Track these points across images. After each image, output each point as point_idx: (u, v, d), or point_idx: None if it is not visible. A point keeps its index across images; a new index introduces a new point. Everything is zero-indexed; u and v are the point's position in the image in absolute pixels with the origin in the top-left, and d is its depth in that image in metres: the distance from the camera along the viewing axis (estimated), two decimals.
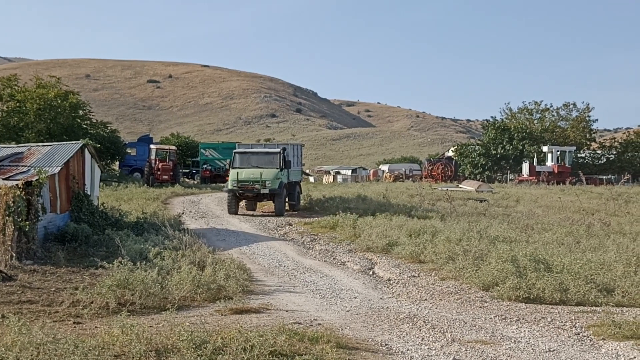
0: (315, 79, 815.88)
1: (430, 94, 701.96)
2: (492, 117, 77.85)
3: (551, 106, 77.33)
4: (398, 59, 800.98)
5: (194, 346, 8.38)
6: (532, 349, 9.90)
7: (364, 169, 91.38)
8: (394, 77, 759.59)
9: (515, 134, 69.09)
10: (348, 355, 9.30)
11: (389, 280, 16.37)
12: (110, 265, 14.03)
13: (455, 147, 80.00)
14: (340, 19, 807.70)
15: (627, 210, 32.29)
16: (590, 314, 12.25)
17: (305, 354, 8.82)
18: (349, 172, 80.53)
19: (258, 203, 33.74)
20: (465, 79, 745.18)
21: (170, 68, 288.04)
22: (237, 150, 33.54)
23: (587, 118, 75.45)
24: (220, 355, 8.35)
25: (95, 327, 10.67)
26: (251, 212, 33.21)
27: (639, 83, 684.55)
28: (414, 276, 16.59)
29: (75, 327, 10.76)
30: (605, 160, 72.02)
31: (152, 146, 56.69)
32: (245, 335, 8.94)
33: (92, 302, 12.02)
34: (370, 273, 17.45)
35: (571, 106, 76.19)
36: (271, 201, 32.39)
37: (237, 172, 31.20)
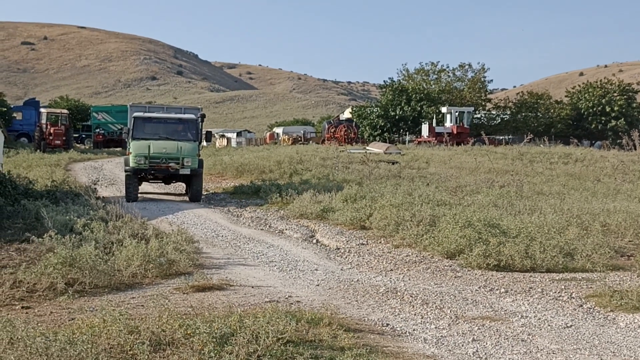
0: (196, 40, 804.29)
1: (311, 56, 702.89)
2: (389, 78, 77.55)
3: (447, 67, 77.29)
4: (279, 21, 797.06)
5: (214, 340, 7.19)
6: (548, 324, 9.11)
7: (249, 131, 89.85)
8: (275, 39, 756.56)
9: (413, 95, 68.87)
10: (357, 339, 8.30)
11: (338, 249, 15.48)
12: (41, 239, 12.75)
13: (353, 108, 79.42)
14: None
15: (540, 171, 32.39)
16: (573, 282, 11.68)
17: (313, 340, 7.89)
18: (234, 135, 78.94)
19: None
20: (345, 41, 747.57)
21: (45, 29, 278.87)
22: (137, 114, 24.25)
23: (483, 79, 75.90)
24: (230, 347, 7.23)
25: (51, 312, 9.41)
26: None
27: (528, 43, 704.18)
28: (362, 244, 15.76)
29: (27, 312, 9.44)
30: (500, 120, 72.85)
31: (42, 110, 54.19)
32: (248, 321, 7.85)
33: (35, 284, 10.66)
34: (314, 241, 16.52)
35: (467, 67, 76.34)
36: (184, 184, 25.06)
37: (148, 146, 22.96)
